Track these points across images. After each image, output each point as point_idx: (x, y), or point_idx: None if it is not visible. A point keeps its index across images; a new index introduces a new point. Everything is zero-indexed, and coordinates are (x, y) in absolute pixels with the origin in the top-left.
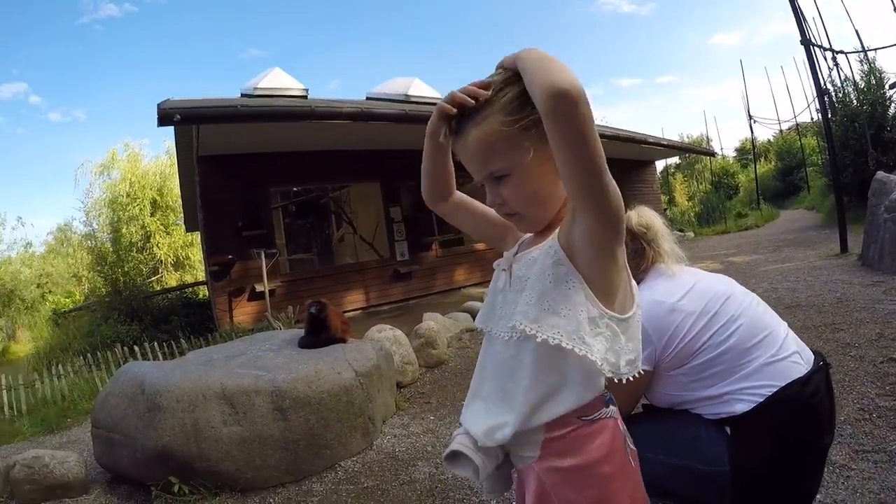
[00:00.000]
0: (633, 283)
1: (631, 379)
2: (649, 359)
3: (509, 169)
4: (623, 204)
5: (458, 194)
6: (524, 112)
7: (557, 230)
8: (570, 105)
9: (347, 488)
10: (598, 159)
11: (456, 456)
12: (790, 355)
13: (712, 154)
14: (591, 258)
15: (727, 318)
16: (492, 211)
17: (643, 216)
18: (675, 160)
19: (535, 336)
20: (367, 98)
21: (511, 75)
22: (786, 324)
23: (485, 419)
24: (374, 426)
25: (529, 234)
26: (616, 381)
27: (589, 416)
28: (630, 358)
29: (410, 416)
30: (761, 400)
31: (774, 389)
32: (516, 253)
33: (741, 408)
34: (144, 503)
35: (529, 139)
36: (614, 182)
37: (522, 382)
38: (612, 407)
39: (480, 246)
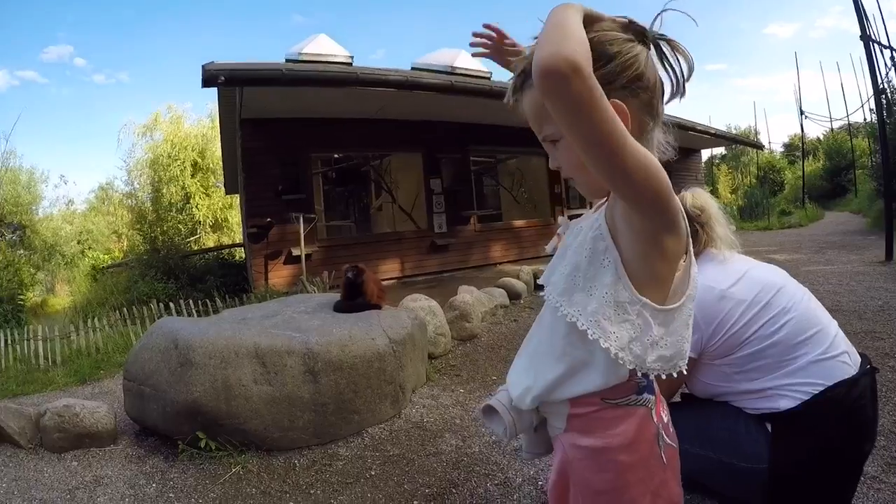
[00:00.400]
0: (693, 274)
1: (663, 377)
2: (695, 346)
3: (559, 134)
4: (665, 187)
5: None
6: None
7: (606, 204)
8: (560, 82)
9: (373, 455)
10: (607, 138)
11: (491, 410)
12: (839, 355)
13: (760, 147)
14: (631, 242)
15: (778, 309)
16: None
17: (698, 198)
18: (720, 151)
19: (557, 309)
20: (413, 68)
21: None
22: (836, 322)
23: (523, 379)
24: (404, 395)
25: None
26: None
27: (614, 400)
28: (664, 354)
29: (440, 387)
30: (807, 398)
31: (821, 388)
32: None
33: (785, 404)
34: (171, 456)
35: None
36: (648, 163)
37: (554, 352)
38: (646, 395)
39: (519, 223)
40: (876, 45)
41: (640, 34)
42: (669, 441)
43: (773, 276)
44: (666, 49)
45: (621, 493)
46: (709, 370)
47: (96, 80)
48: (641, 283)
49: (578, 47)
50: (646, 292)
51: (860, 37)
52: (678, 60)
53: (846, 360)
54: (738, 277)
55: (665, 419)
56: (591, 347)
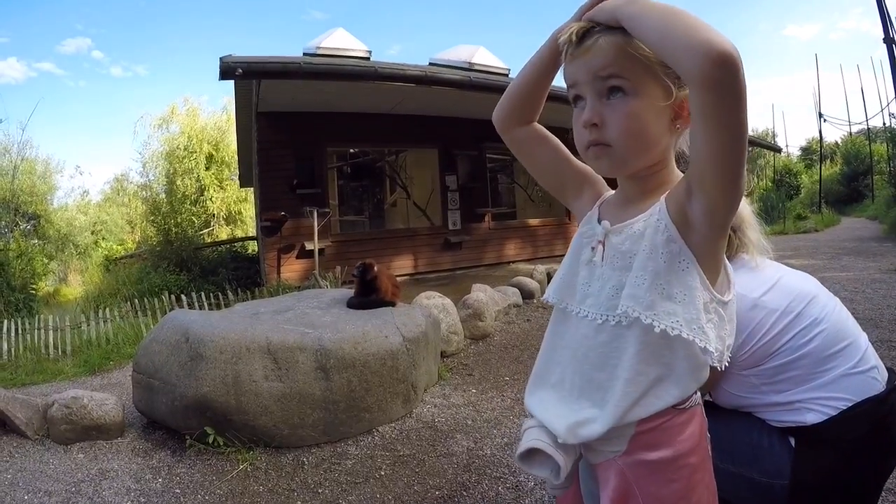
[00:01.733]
0: (728, 263)
1: (727, 364)
2: None
3: (634, 87)
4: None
5: (539, 126)
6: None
7: (662, 202)
8: (733, 73)
9: (383, 454)
10: (746, 133)
11: (531, 454)
12: (869, 369)
13: (777, 150)
14: (706, 236)
15: (810, 320)
16: (570, 160)
17: None
18: None
19: (652, 325)
20: (430, 63)
21: None
22: (865, 335)
23: (565, 412)
24: (416, 394)
25: (610, 197)
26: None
27: (682, 405)
28: (730, 343)
29: (452, 386)
30: (834, 413)
31: (849, 404)
32: (599, 219)
33: (811, 418)
34: (178, 451)
35: (668, 75)
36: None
37: (623, 374)
38: (698, 393)
39: (534, 221)
40: None
41: None
42: (709, 434)
43: (806, 285)
44: None
45: (690, 497)
46: (736, 380)
47: (113, 72)
48: (710, 276)
49: None
50: (713, 285)
51: (883, 39)
52: None
53: (875, 376)
54: (770, 285)
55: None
56: (667, 360)
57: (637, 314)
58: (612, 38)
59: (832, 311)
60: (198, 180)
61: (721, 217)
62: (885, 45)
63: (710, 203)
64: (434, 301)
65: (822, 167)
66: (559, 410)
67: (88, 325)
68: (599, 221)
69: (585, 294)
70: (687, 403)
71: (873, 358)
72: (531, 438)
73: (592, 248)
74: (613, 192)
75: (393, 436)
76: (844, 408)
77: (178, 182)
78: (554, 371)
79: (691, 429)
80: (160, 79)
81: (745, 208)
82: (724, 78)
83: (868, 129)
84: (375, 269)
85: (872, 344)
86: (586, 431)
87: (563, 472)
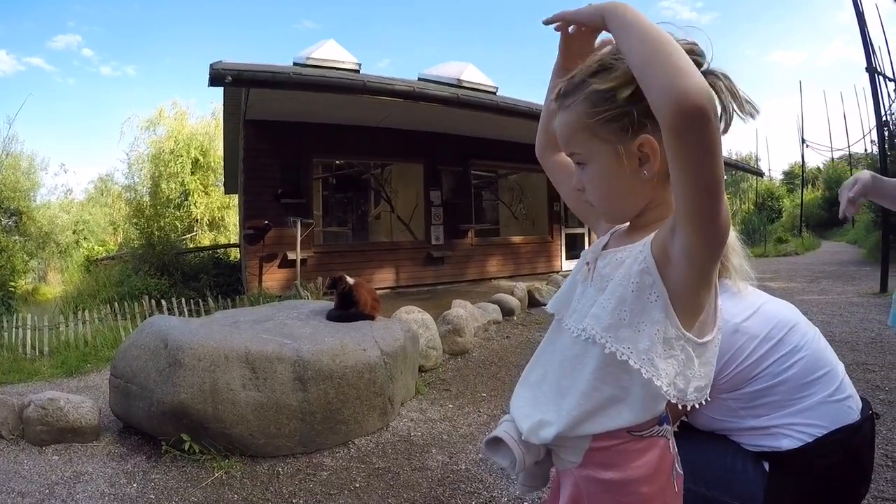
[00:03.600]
0: (719, 305)
1: (697, 406)
2: None
3: (587, 158)
4: (730, 224)
5: (566, 157)
6: (607, 105)
7: (652, 236)
8: (703, 121)
9: (358, 466)
10: (721, 180)
11: (496, 442)
12: (845, 398)
13: (760, 174)
14: (684, 274)
15: (790, 347)
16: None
17: None
18: None
19: (603, 345)
20: (419, 79)
21: (606, 59)
22: (842, 364)
23: (532, 412)
24: (393, 408)
25: (622, 228)
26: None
27: (639, 433)
28: (700, 384)
29: (429, 401)
30: (810, 440)
31: (825, 431)
32: (605, 246)
33: (787, 444)
34: (153, 457)
35: (612, 132)
36: (726, 202)
37: (580, 387)
38: (665, 426)
39: (516, 239)
40: (881, 77)
41: (698, 65)
42: (680, 470)
43: (787, 313)
44: (723, 88)
45: None
46: (714, 403)
47: (103, 71)
48: (685, 315)
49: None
50: (686, 325)
51: (866, 68)
52: (732, 104)
53: (851, 405)
54: (752, 311)
55: (675, 448)
56: (624, 384)
57: (594, 332)
58: (565, 118)
59: (811, 340)
60: (183, 185)
61: (699, 257)
62: (867, 74)
63: (687, 241)
64: (414, 316)
65: (804, 192)
66: (528, 410)
67: (67, 326)
68: (605, 247)
69: (574, 309)
70: (645, 432)
71: (849, 387)
72: (500, 429)
73: (587, 267)
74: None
75: (369, 448)
76: (820, 435)
77: (163, 185)
78: (535, 371)
79: (647, 458)
80: (149, 80)
81: (730, 234)
82: (691, 128)
83: (850, 154)
84: (350, 280)
85: (849, 366)
86: (543, 433)
87: (518, 465)
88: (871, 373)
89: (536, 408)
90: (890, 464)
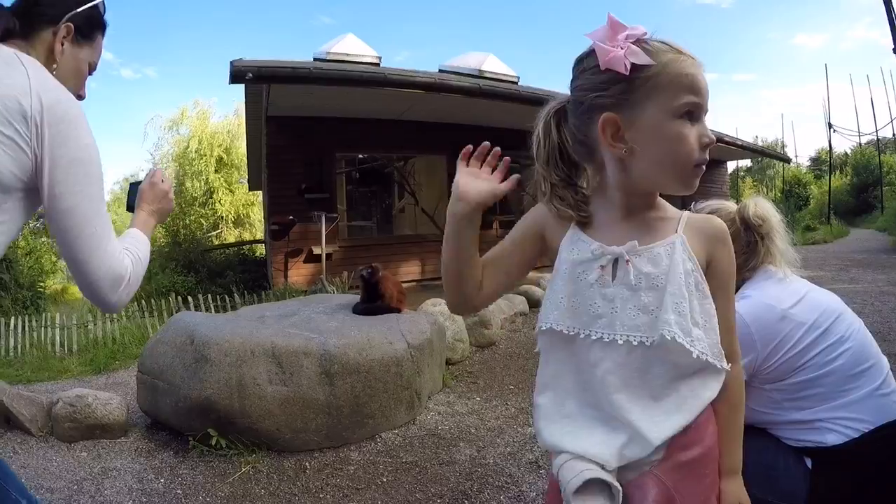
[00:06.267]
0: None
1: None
2: (748, 367)
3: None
4: None
5: (480, 263)
6: None
7: (682, 235)
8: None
9: (385, 461)
10: None
11: (587, 486)
12: (891, 392)
13: (787, 160)
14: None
15: (837, 337)
16: (514, 240)
17: (760, 207)
18: (746, 163)
19: (690, 351)
20: (440, 71)
21: None
22: (886, 359)
23: (605, 438)
24: (420, 401)
25: (593, 220)
26: None
27: None
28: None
29: (457, 394)
30: (856, 435)
31: (871, 427)
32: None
33: (832, 439)
34: (181, 451)
35: None
36: None
37: (663, 390)
38: None
39: None
40: None
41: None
42: None
43: (833, 302)
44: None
45: (714, 485)
46: (758, 394)
47: (124, 74)
48: None
49: None
50: None
51: (893, 50)
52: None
53: None
54: (798, 298)
55: None
56: (697, 368)
57: (679, 339)
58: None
59: (857, 331)
60: (207, 183)
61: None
62: (895, 56)
63: (720, 282)
64: (440, 308)
65: (832, 178)
66: (597, 438)
67: (95, 325)
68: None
69: (602, 315)
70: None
71: (894, 381)
72: (581, 470)
73: (602, 268)
74: (579, 217)
75: (396, 442)
76: (867, 430)
77: (188, 184)
78: (569, 401)
79: (712, 425)
80: (170, 82)
81: (774, 216)
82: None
83: (878, 139)
84: (380, 273)
85: None
86: (632, 451)
87: (618, 497)
88: None
89: (607, 433)
90: None
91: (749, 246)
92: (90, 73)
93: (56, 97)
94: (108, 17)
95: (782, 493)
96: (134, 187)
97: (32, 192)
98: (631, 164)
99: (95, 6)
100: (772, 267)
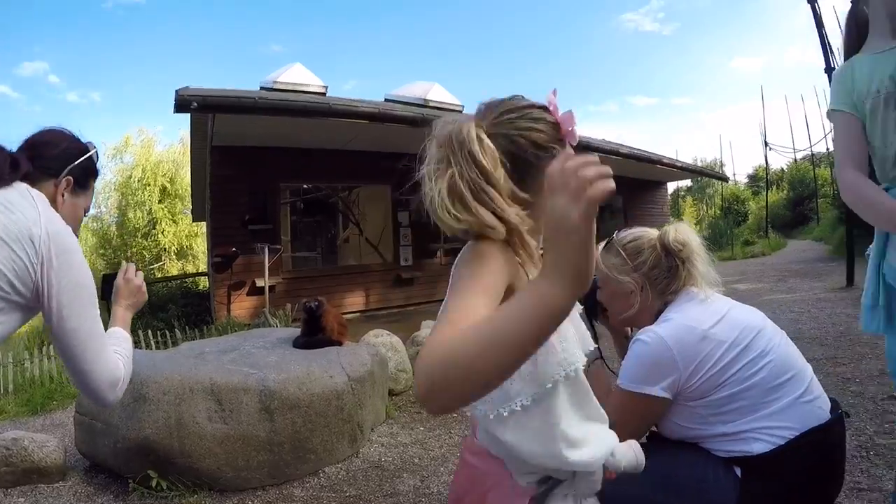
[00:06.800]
0: None
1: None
2: (671, 387)
3: None
4: None
5: None
6: None
7: None
8: None
9: (329, 496)
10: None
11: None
12: (814, 399)
13: (725, 179)
14: None
15: (757, 352)
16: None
17: (681, 232)
18: (686, 183)
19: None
20: (385, 100)
21: None
22: (810, 367)
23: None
24: (362, 433)
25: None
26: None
27: None
28: None
29: (400, 425)
30: (782, 443)
31: (796, 433)
32: None
33: (758, 448)
34: (121, 495)
35: None
36: None
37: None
38: None
39: None
40: None
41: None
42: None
43: (753, 319)
44: None
45: None
46: (683, 411)
47: (69, 98)
48: None
49: None
50: None
51: (825, 69)
52: None
53: (821, 406)
54: (719, 318)
55: None
56: None
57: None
58: None
59: (778, 345)
60: (150, 213)
61: None
62: (826, 75)
63: None
64: (382, 339)
65: (769, 193)
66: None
67: (32, 363)
68: None
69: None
70: None
71: (818, 388)
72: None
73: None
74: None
75: (339, 476)
76: (791, 437)
77: (130, 214)
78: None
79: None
80: (115, 107)
81: (694, 240)
82: None
83: (812, 154)
84: (325, 306)
85: (819, 361)
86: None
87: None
88: (842, 366)
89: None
90: (864, 454)
91: (670, 270)
92: (84, 215)
93: (59, 229)
94: (56, 36)
95: (713, 502)
96: (106, 278)
97: (28, 307)
98: None
99: (90, 157)
100: (694, 289)
